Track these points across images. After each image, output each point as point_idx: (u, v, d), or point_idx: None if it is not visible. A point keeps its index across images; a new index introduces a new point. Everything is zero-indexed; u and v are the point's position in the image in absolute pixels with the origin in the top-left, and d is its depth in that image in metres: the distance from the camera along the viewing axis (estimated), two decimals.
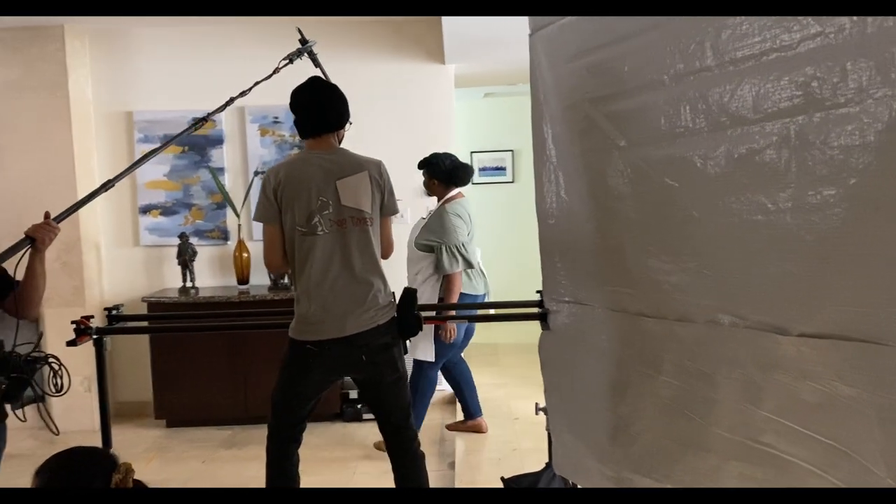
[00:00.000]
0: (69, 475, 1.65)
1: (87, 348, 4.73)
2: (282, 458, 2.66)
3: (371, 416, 4.75)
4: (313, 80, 2.67)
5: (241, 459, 4.20)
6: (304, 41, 2.96)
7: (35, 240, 2.25)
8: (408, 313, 2.63)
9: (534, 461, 3.68)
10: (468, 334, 4.28)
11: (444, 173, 4.08)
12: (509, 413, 4.63)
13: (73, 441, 5.09)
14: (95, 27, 4.79)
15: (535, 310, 2.87)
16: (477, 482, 3.53)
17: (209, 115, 2.77)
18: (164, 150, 2.81)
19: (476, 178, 7.73)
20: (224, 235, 5.00)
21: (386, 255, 2.71)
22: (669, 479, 2.07)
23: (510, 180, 7.65)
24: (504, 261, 7.58)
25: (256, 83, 2.80)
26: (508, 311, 3.12)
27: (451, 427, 4.49)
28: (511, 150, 7.60)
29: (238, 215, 4.89)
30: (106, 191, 2.49)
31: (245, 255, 4.88)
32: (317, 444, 4.49)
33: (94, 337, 2.78)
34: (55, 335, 4.73)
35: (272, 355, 4.68)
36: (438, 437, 4.49)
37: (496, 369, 5.74)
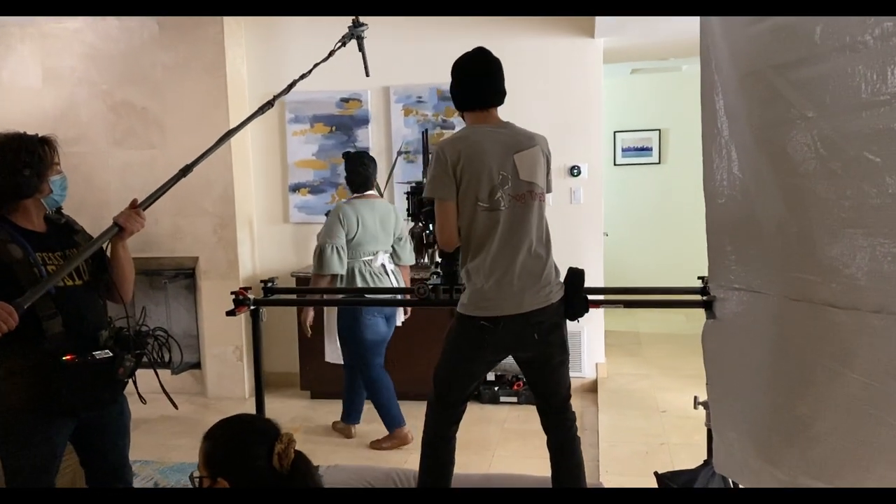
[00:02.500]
0: (234, 441, 1.68)
1: (238, 319, 4.97)
2: (439, 441, 2.61)
3: (509, 398, 4.72)
4: (483, 51, 2.58)
5: (380, 433, 4.25)
6: (357, 24, 2.86)
7: (123, 228, 2.25)
8: (576, 294, 2.53)
9: (685, 457, 3.49)
10: (381, 335, 4.02)
11: (350, 176, 4.00)
12: (655, 405, 4.42)
13: (225, 407, 5.35)
14: None
15: (695, 297, 2.68)
16: (625, 475, 3.38)
17: (275, 97, 2.69)
18: (228, 140, 2.72)
19: (619, 158, 7.47)
20: None
21: None
22: None
23: (656, 161, 7.34)
24: (649, 245, 7.30)
25: (316, 65, 2.74)
26: (665, 298, 2.93)
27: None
28: (658, 130, 7.27)
29: (381, 195, 4.92)
30: (184, 176, 2.41)
31: None
32: None
33: (252, 308, 2.84)
34: (211, 306, 4.99)
35: (412, 335, 4.72)
36: (579, 425, 4.36)
37: (639, 359, 5.52)
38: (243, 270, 4.99)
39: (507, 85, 4.76)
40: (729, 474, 2.45)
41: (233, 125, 4.86)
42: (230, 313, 2.82)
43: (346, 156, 4.06)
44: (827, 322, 1.92)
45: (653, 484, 3.25)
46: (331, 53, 2.76)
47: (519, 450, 4.00)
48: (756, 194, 2.18)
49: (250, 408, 4.88)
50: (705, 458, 2.75)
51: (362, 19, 2.89)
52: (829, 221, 1.89)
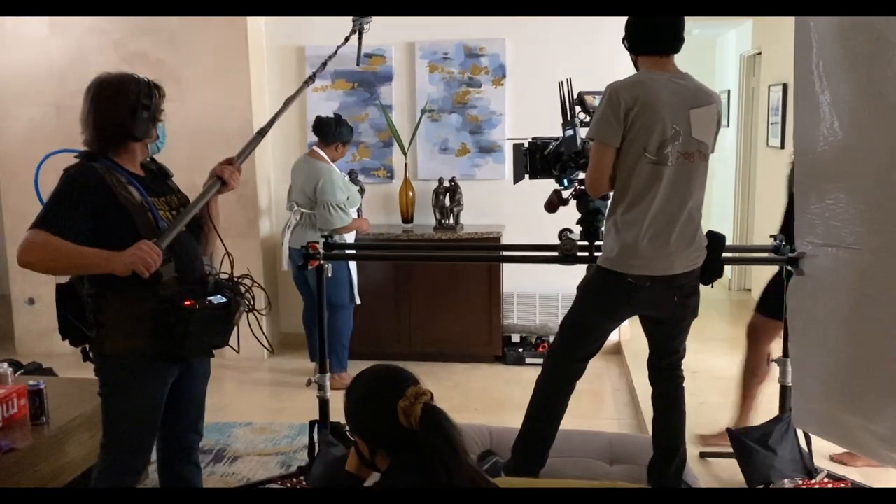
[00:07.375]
0: (364, 397, 1.67)
1: (257, 277, 4.88)
2: (557, 394, 2.54)
3: (534, 360, 4.72)
4: None
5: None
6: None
7: (226, 183, 2.25)
8: (717, 259, 2.47)
9: (728, 415, 3.52)
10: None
11: None
12: (685, 366, 4.45)
13: (246, 365, 5.24)
14: None
15: (765, 254, 2.68)
16: None
17: (314, 74, 2.74)
18: (290, 105, 2.70)
19: None
20: (390, 174, 4.99)
21: None
22: None
23: None
24: None
25: (329, 57, 2.84)
26: (743, 256, 2.93)
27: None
28: None
29: (405, 153, 4.85)
30: (262, 138, 2.50)
31: (411, 193, 4.85)
32: (482, 386, 4.48)
33: (321, 262, 2.79)
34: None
35: (436, 297, 4.69)
36: (609, 386, 4.39)
37: None
38: (263, 229, 4.88)
39: (527, 41, 4.71)
40: (810, 429, 2.48)
41: (253, 78, 4.78)
42: (302, 267, 2.77)
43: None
44: None
45: (699, 442, 3.32)
46: (339, 47, 2.78)
47: None
48: (856, 149, 2.16)
49: (270, 366, 4.84)
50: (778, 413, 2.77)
51: None
52: None
